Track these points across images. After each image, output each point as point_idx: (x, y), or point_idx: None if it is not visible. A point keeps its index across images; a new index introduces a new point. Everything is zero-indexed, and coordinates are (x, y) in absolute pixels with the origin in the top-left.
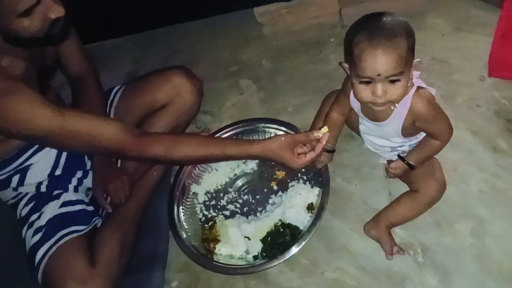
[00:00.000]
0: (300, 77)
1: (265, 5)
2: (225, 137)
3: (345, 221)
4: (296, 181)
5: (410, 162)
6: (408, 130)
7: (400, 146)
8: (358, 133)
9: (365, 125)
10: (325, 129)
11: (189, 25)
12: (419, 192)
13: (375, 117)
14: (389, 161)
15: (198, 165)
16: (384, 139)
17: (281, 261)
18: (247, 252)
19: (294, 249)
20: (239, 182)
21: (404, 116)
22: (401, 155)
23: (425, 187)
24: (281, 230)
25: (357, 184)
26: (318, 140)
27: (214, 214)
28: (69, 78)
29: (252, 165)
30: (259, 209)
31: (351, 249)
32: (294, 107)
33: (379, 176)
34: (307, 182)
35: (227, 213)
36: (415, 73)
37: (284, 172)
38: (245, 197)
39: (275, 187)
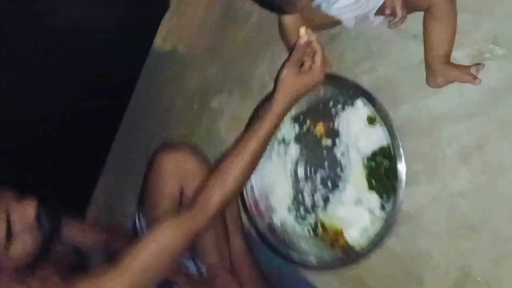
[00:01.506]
0: None
1: None
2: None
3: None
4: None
5: None
6: None
7: None
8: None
9: None
10: (303, 29)
11: None
12: (433, 5)
13: None
14: (380, 11)
15: (258, 200)
16: None
17: None
18: (371, 210)
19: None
20: (300, 171)
21: None
22: None
23: None
24: (375, 163)
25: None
26: (310, 42)
27: (312, 216)
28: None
29: (293, 152)
30: (338, 170)
31: None
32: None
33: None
34: (340, 105)
35: (321, 203)
36: None
37: (321, 124)
38: (318, 175)
39: (328, 142)
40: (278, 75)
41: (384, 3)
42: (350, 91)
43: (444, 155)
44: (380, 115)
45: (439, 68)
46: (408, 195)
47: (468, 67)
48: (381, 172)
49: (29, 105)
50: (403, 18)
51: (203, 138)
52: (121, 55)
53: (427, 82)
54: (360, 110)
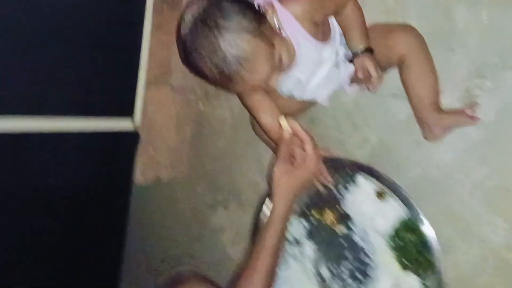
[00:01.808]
0: None
1: None
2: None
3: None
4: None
5: (361, 50)
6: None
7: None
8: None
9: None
10: (283, 120)
11: None
12: (404, 56)
13: None
14: (353, 80)
15: None
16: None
17: None
18: None
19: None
20: (323, 270)
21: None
22: (347, 58)
23: (400, 45)
24: (400, 241)
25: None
26: (294, 133)
27: None
28: None
29: (309, 251)
30: (364, 256)
31: None
32: None
33: (376, 103)
34: (341, 186)
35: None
36: None
37: (328, 211)
38: (343, 269)
39: (343, 229)
40: (271, 176)
41: (355, 69)
42: (346, 169)
43: (471, 208)
44: (387, 186)
45: (432, 119)
46: (449, 266)
47: (462, 110)
48: (411, 249)
49: None
50: (380, 78)
51: (210, 259)
52: (104, 201)
53: (425, 137)
54: (364, 186)
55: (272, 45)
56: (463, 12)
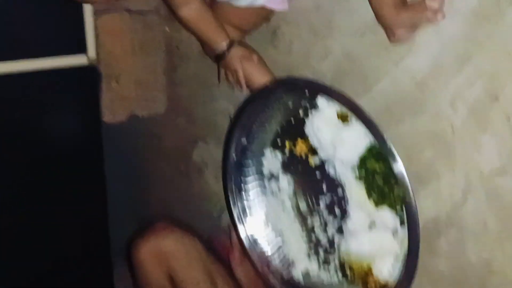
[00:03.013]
0: None
1: None
2: None
3: None
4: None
5: None
6: None
7: None
8: None
9: None
10: None
11: None
12: None
13: None
14: None
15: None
16: None
17: None
18: (393, 231)
19: None
20: (302, 205)
21: None
22: None
23: None
24: (366, 171)
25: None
26: None
27: (335, 257)
28: None
29: (286, 185)
30: (340, 190)
31: None
32: None
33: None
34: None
35: (337, 238)
36: None
37: (300, 142)
38: (321, 204)
39: (316, 160)
40: None
41: None
42: (305, 90)
43: (452, 127)
44: (349, 107)
45: (390, 15)
46: (429, 197)
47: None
48: (378, 180)
49: None
50: None
51: (198, 195)
52: (74, 144)
53: (389, 39)
54: (326, 109)
55: None
56: None
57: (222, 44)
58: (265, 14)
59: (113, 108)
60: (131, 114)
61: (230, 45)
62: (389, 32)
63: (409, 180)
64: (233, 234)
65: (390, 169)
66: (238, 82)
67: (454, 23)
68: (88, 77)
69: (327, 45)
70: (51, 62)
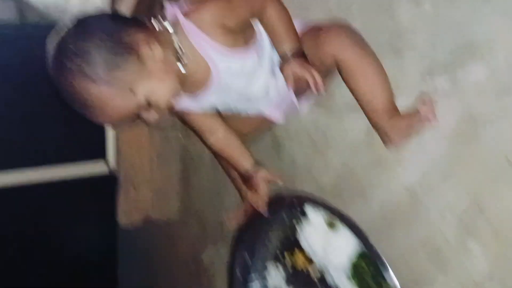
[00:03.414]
0: None
1: None
2: None
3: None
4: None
5: (289, 52)
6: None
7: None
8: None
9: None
10: None
11: None
12: (337, 56)
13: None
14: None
15: None
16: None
17: None
18: None
19: None
20: None
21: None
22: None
23: (330, 44)
24: (358, 275)
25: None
26: None
27: None
28: None
29: None
30: None
31: None
32: None
33: (332, 117)
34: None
35: None
36: None
37: (298, 252)
38: None
39: (316, 271)
40: None
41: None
42: (293, 200)
43: (445, 235)
44: (334, 214)
45: (387, 126)
46: None
47: (416, 110)
48: (369, 282)
49: None
50: (317, 80)
51: None
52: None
53: (386, 146)
54: (314, 218)
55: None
56: (406, 8)
57: (248, 167)
58: (266, 124)
59: (130, 213)
60: (146, 218)
61: (256, 167)
62: (385, 138)
63: (405, 283)
64: None
65: (379, 271)
66: (258, 203)
67: (438, 142)
68: (108, 184)
69: (327, 159)
70: (74, 169)
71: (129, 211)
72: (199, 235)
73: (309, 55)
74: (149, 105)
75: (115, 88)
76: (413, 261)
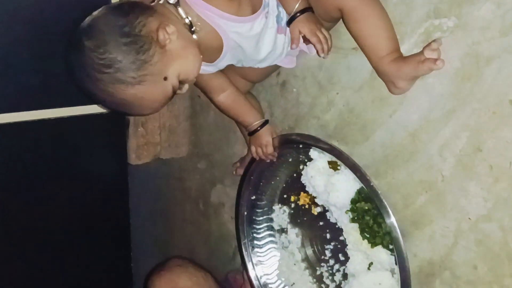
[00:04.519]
0: None
1: None
2: None
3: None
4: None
5: (297, 10)
6: None
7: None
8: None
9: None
10: None
11: None
12: (341, 4)
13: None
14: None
15: None
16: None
17: None
18: (391, 270)
19: None
20: (310, 255)
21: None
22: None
23: None
24: (357, 213)
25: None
26: None
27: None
28: None
29: (294, 238)
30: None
31: None
32: None
33: (337, 60)
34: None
35: (344, 284)
36: None
37: (303, 194)
38: (327, 251)
39: (318, 209)
40: None
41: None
42: (299, 145)
43: (442, 175)
44: (335, 155)
45: (390, 70)
46: (423, 240)
47: (421, 52)
48: (368, 220)
49: None
50: (325, 40)
51: (216, 234)
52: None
53: (390, 91)
54: (318, 160)
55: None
56: None
57: (256, 124)
58: (275, 68)
59: (139, 152)
60: (155, 156)
61: (263, 124)
62: (391, 85)
63: (404, 223)
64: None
65: (378, 209)
66: (265, 153)
67: (441, 81)
68: (118, 122)
69: (330, 98)
70: (86, 109)
71: (138, 150)
72: (207, 173)
73: (314, 7)
74: (181, 82)
75: (149, 83)
76: (415, 201)
